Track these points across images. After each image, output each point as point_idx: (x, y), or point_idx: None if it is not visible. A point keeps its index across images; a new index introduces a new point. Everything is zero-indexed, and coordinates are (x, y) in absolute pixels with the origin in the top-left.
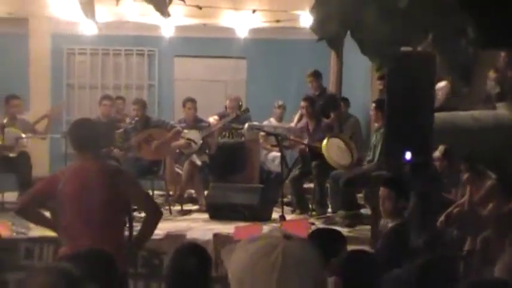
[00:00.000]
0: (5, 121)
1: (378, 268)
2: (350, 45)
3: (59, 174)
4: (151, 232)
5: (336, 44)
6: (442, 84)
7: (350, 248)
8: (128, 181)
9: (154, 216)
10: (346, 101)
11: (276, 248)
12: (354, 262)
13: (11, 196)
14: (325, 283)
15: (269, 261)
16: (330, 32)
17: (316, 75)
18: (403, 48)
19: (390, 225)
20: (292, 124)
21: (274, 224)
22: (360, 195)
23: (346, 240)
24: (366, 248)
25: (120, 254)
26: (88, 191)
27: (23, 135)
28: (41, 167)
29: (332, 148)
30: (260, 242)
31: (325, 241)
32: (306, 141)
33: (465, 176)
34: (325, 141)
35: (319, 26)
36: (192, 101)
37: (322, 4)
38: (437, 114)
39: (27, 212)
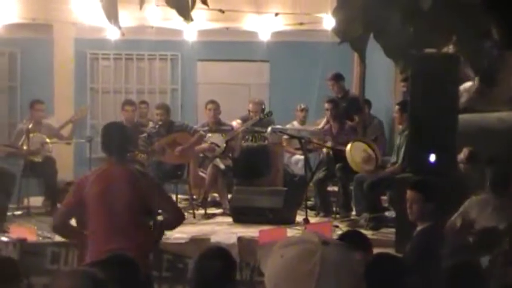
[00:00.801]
0: (30, 126)
1: (404, 272)
2: (373, 47)
3: (83, 179)
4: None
5: (358, 46)
6: (467, 85)
7: (374, 251)
8: (152, 185)
9: (177, 220)
10: (368, 103)
11: (314, 254)
12: (379, 266)
13: (36, 201)
14: None
15: (306, 268)
16: (353, 34)
17: (337, 78)
18: (427, 50)
19: (418, 228)
20: (319, 127)
21: (299, 227)
22: (384, 197)
23: (371, 244)
24: (391, 251)
25: (144, 257)
26: (114, 195)
27: (48, 140)
28: (65, 171)
29: (356, 152)
30: (297, 247)
31: (352, 244)
32: (329, 144)
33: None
34: (349, 146)
35: (342, 28)
36: (214, 102)
37: (345, 6)
38: (462, 116)
39: (62, 228)
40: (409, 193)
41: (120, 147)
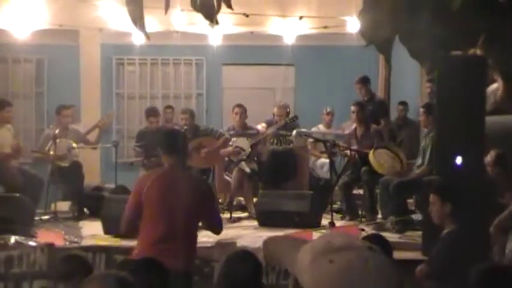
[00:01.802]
0: (57, 132)
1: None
2: (398, 49)
3: (142, 179)
4: None
5: (385, 49)
6: (494, 87)
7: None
8: (209, 192)
9: (215, 233)
10: (405, 105)
11: (367, 261)
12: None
13: (63, 206)
14: None
15: (363, 275)
16: (379, 36)
17: (364, 82)
18: (454, 52)
19: (444, 231)
20: (347, 131)
21: (324, 231)
22: (410, 200)
23: (392, 248)
24: (418, 254)
25: (190, 260)
26: (174, 197)
27: (75, 145)
28: (92, 176)
29: (380, 157)
30: (349, 253)
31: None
32: (354, 147)
33: None
34: (371, 154)
35: (368, 31)
36: (241, 106)
37: (370, 9)
38: (489, 118)
39: (132, 230)
40: (431, 196)
41: (179, 150)
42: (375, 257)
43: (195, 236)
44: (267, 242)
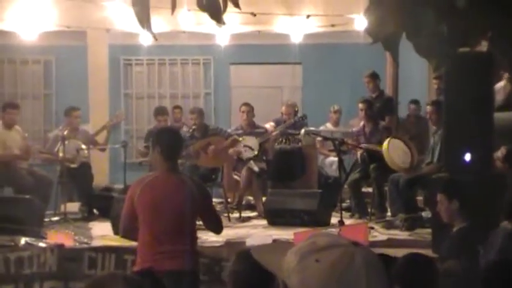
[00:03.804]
0: (66, 133)
1: (435, 272)
2: (405, 47)
3: (135, 184)
4: None
5: (391, 46)
6: (502, 83)
7: (410, 251)
8: (204, 193)
9: (215, 232)
10: (417, 103)
11: (354, 257)
12: (411, 265)
13: (73, 207)
14: None
15: (353, 272)
16: (385, 33)
17: (374, 77)
18: (461, 49)
19: (454, 229)
20: (355, 129)
21: (334, 229)
22: (419, 198)
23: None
24: (427, 251)
25: (193, 262)
26: (166, 203)
27: (84, 146)
28: (101, 176)
29: (394, 149)
30: (334, 250)
31: None
32: (362, 145)
33: None
34: (386, 142)
35: (374, 28)
36: (247, 105)
37: (377, 6)
38: (497, 115)
39: (132, 233)
40: (438, 195)
41: (176, 154)
42: (361, 252)
43: (194, 237)
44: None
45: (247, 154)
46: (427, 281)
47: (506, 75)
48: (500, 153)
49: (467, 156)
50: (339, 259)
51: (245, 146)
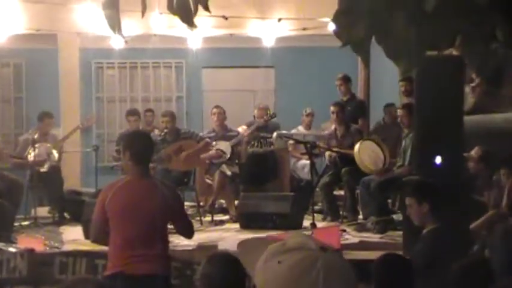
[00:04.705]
0: (35, 136)
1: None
2: (378, 50)
3: (107, 188)
4: None
5: (361, 49)
6: (473, 86)
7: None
8: (175, 197)
9: (186, 237)
10: (392, 106)
11: (316, 261)
12: (387, 265)
13: (43, 211)
14: None
15: (310, 276)
16: (355, 37)
17: (345, 80)
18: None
19: (424, 231)
20: (327, 132)
21: (306, 232)
22: (390, 200)
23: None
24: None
25: (165, 266)
26: (137, 208)
27: (54, 151)
28: (73, 180)
29: (365, 151)
30: (297, 254)
31: None
32: (334, 148)
33: (507, 179)
34: (358, 144)
35: (343, 32)
36: (218, 107)
37: (346, 9)
38: (469, 117)
39: (103, 238)
40: (406, 199)
41: (147, 158)
42: (325, 257)
43: (166, 241)
44: (239, 245)
45: (220, 158)
46: (403, 281)
47: (475, 77)
48: (474, 153)
49: (438, 159)
50: (299, 262)
51: (218, 149)
